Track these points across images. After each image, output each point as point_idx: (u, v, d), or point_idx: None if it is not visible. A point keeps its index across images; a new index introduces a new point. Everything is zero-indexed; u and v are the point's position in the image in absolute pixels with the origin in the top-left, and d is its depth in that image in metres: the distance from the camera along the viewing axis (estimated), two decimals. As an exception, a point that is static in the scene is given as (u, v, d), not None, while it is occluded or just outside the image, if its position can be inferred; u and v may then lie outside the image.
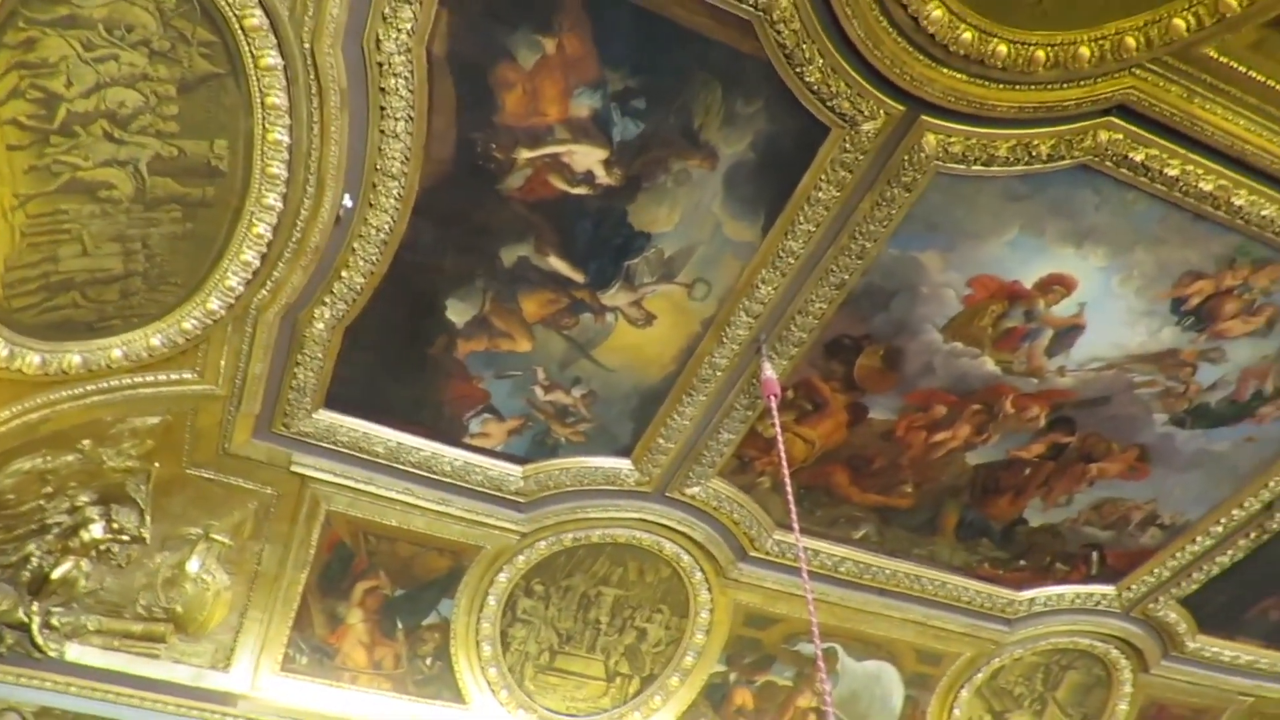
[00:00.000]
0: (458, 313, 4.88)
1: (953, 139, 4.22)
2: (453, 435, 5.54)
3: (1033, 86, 4.04)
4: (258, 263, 4.35)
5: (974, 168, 4.35)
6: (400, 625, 6.27)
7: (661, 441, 5.61)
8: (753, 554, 6.42)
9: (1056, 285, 5.00)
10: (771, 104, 4.06)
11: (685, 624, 6.67)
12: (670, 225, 4.54)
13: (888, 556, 6.69)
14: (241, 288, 4.44)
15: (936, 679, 7.56)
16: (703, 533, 6.25)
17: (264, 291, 4.51)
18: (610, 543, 6.25)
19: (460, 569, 6.14)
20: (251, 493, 5.49)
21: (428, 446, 5.53)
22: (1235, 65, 3.97)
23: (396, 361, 5.09)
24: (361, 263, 4.52)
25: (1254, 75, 4.01)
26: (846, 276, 4.80)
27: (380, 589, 6.09)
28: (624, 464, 5.82)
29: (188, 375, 4.82)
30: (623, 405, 5.45)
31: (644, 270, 4.73)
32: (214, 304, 4.48)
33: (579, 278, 4.74)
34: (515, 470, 5.78)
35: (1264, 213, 4.59)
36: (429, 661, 6.31)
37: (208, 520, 5.57)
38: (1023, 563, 6.94)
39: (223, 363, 4.83)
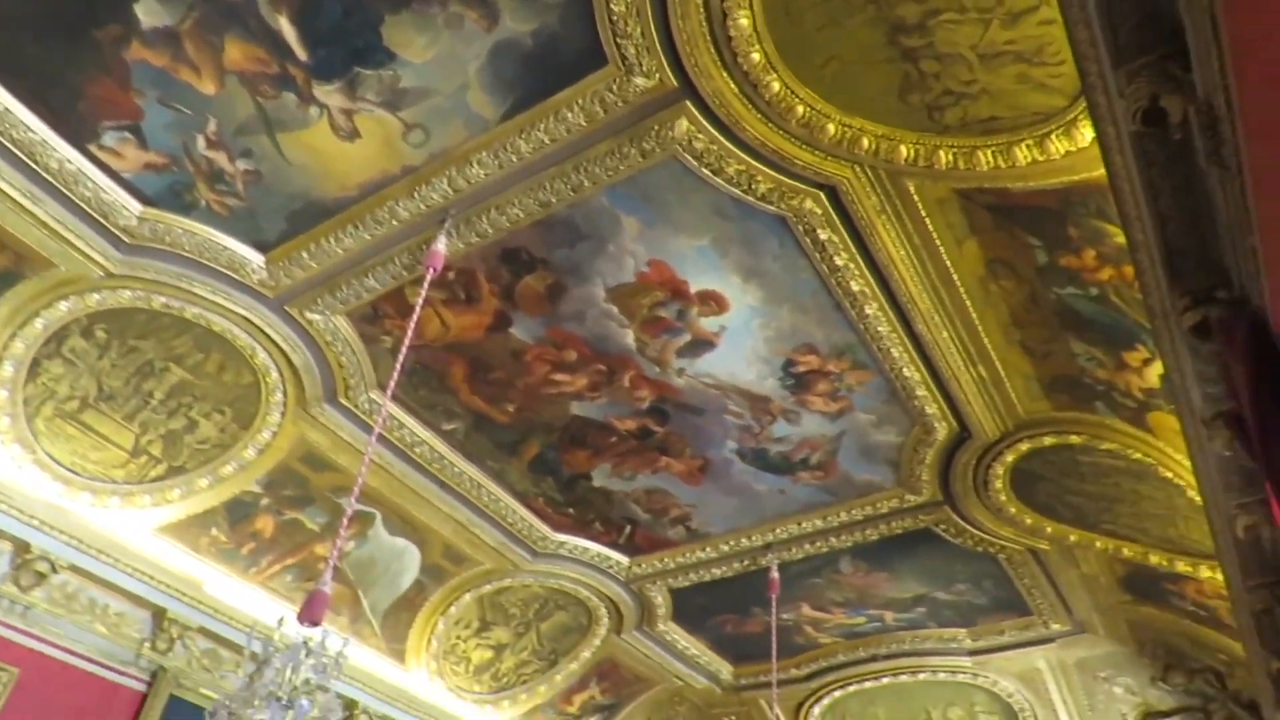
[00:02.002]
0: (149, 12, 4.19)
1: (700, 136, 4.46)
2: (78, 135, 4.75)
3: (781, 132, 4.41)
4: None
5: (704, 170, 4.65)
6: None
7: (305, 256, 5.31)
8: (342, 400, 6.32)
9: (713, 302, 5.53)
10: (572, 9, 4.00)
11: (242, 435, 6.39)
12: (420, 59, 4.29)
13: (464, 457, 6.96)
14: None
15: (451, 575, 8.04)
16: (303, 360, 6.03)
17: None
18: (203, 326, 5.78)
19: (15, 275, 5.32)
20: None
21: (42, 131, 4.69)
22: (920, 208, 4.66)
23: (50, 22, 4.24)
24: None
25: (928, 223, 4.74)
26: (554, 200, 4.88)
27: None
28: (256, 258, 5.41)
29: None
30: (284, 202, 5.06)
31: (371, 85, 4.42)
32: None
33: (302, 55, 4.31)
34: (134, 206, 5.12)
35: (880, 328, 5.45)
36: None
37: None
38: (571, 511, 7.61)
39: None
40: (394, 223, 5.06)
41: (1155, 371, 4.84)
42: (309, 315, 5.77)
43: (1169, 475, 5.58)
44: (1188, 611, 7.42)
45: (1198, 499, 5.10)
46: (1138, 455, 5.69)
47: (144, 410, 6.07)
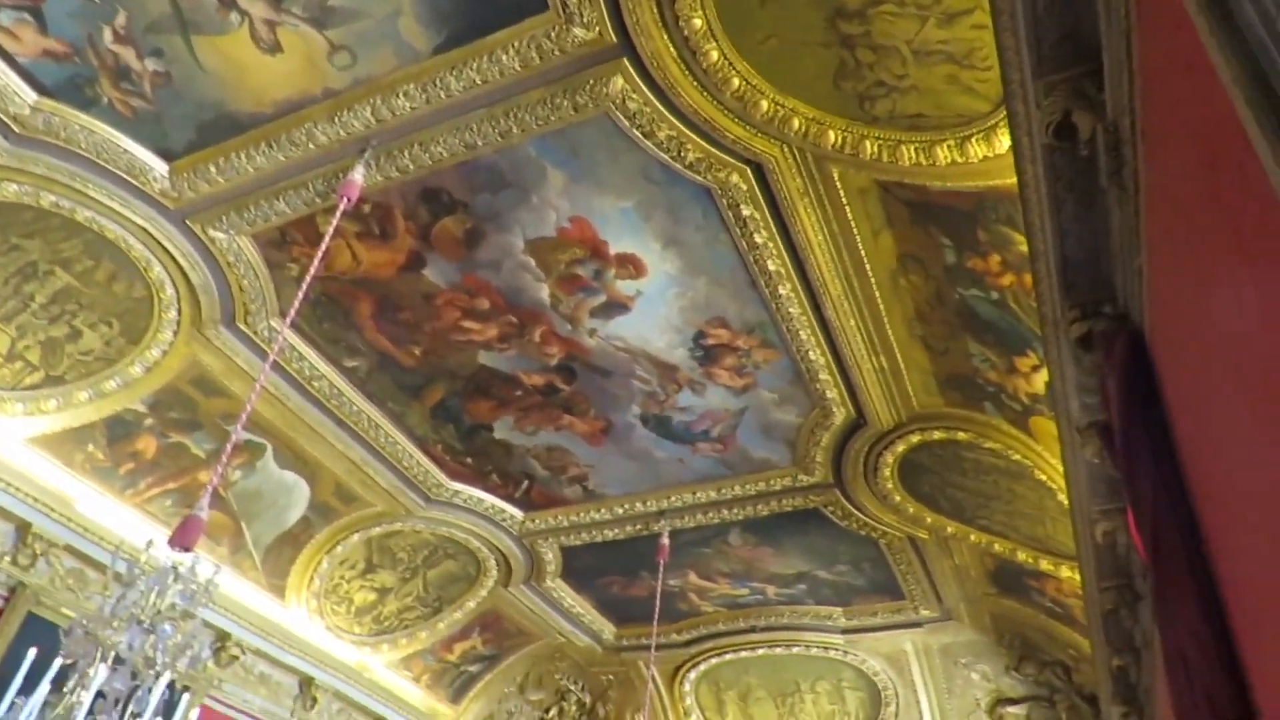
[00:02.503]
0: (59, -116, 3.90)
1: (634, 96, 4.43)
2: (-31, 7, 4.41)
3: (715, 102, 4.41)
4: None
5: (635, 131, 4.62)
6: None
7: (213, 170, 5.07)
8: (240, 325, 6.10)
9: (632, 265, 5.53)
10: (515, -54, 3.90)
11: (130, 351, 6.11)
12: (352, -23, 4.12)
13: (364, 397, 6.82)
14: None
15: (340, 515, 7.90)
16: (202, 279, 5.78)
17: None
18: (95, 231, 5.48)
19: (-112, 152, 4.94)
20: None
21: (-73, -2, 4.34)
22: (842, 195, 4.74)
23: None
24: None
25: (848, 210, 4.83)
26: (480, 144, 4.78)
27: None
28: (160, 166, 5.14)
29: None
30: (194, 110, 4.81)
31: (299, -1, 4.23)
32: None
33: (226, -46, 4.09)
34: (28, 94, 4.79)
35: (791, 309, 5.55)
36: None
37: None
38: (469, 460, 7.56)
39: None
40: (310, 146, 4.88)
41: (1041, 379, 5.07)
42: (212, 233, 5.53)
43: (1043, 478, 5.88)
44: (1045, 607, 7.87)
45: (1066, 503, 5.39)
46: (1017, 456, 5.96)
47: (23, 314, 5.74)
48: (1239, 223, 1.93)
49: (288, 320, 4.44)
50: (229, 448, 4.04)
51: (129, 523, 6.57)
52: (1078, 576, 6.10)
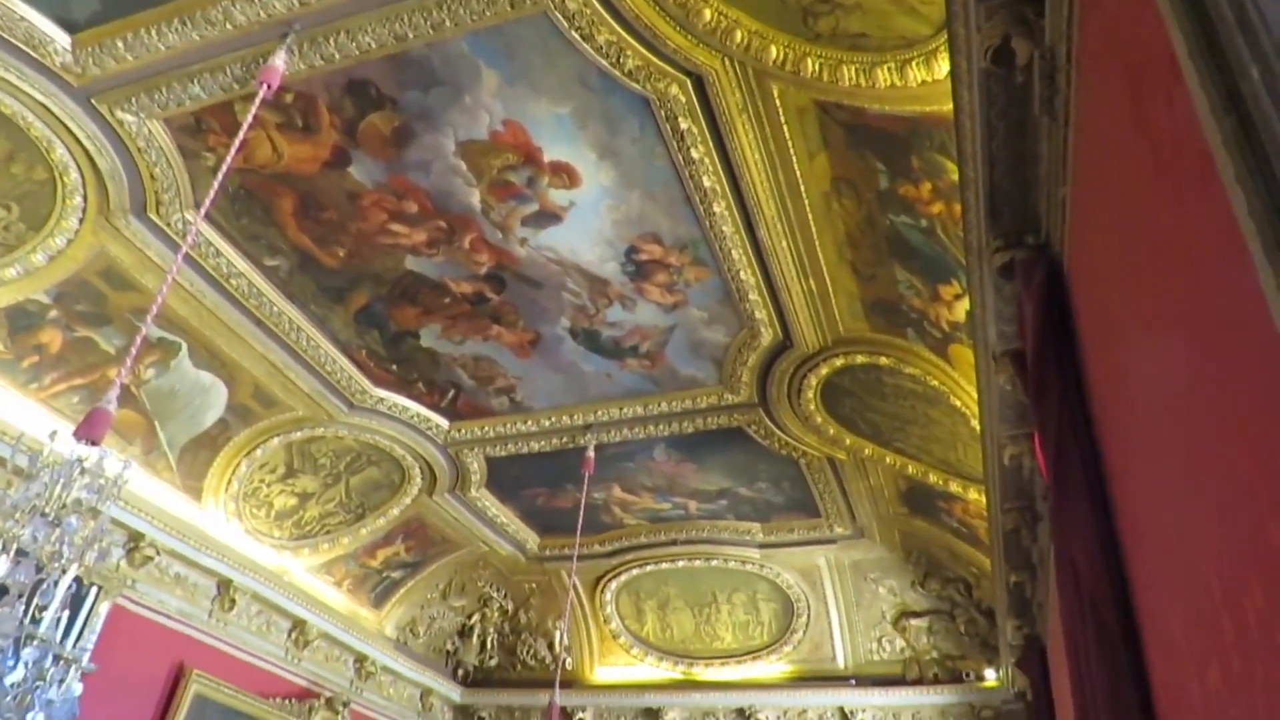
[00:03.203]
0: None
1: (574, -4, 4.26)
2: None
3: (657, 7, 4.28)
4: None
5: (573, 33, 4.46)
6: None
7: (120, 46, 4.73)
8: (151, 216, 5.79)
9: (566, 175, 5.41)
10: None
11: (31, 237, 5.78)
12: None
13: (285, 297, 6.61)
14: None
15: (259, 418, 7.74)
16: (110, 164, 5.46)
17: None
18: (-9, 106, 5.10)
19: None
20: None
21: None
22: (780, 113, 4.69)
23: None
24: None
25: (785, 129, 4.79)
26: (411, 35, 4.56)
27: None
28: (62, 38, 4.77)
29: None
30: (99, -22, 4.46)
31: None
32: None
33: None
34: (-91, -52, 4.38)
35: (724, 228, 5.53)
36: None
37: None
38: (394, 368, 7.46)
39: None
40: (228, 26, 4.58)
41: (963, 308, 5.18)
42: (120, 115, 5.19)
43: (958, 404, 6.08)
44: (952, 528, 8.25)
45: (978, 428, 5.60)
46: (935, 382, 6.14)
47: (-90, 192, 5.36)
48: (1159, 150, 1.96)
49: (202, 212, 4.23)
50: (139, 342, 3.88)
51: (33, 418, 6.31)
52: (984, 499, 6.39)
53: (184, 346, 6.91)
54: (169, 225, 5.88)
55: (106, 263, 6.08)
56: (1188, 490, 2.06)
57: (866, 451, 7.61)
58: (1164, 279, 2.10)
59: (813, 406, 7.19)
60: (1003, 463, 5.20)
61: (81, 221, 5.73)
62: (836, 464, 8.04)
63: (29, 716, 2.97)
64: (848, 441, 7.57)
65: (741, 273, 5.92)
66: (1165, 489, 2.30)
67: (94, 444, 3.55)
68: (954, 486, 7.30)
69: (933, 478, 7.40)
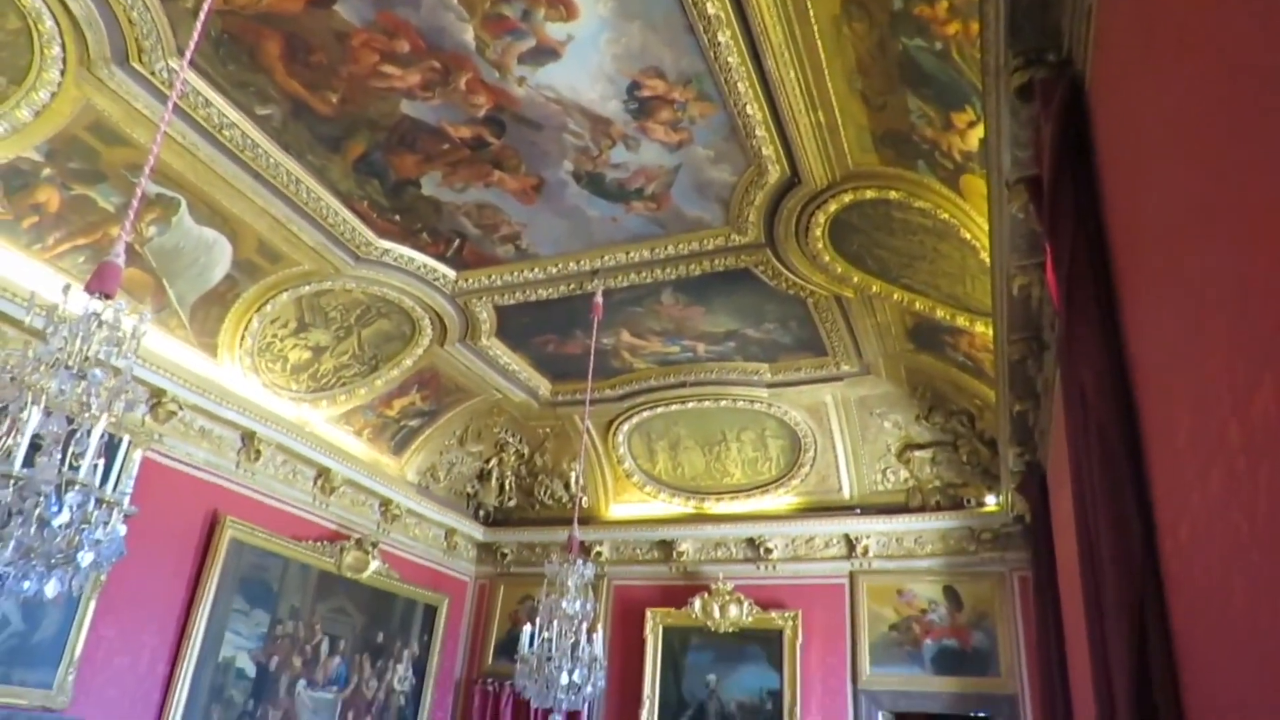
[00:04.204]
0: None
1: None
2: None
3: None
4: None
5: None
6: None
7: (80, -125, 4.42)
8: (134, 65, 5.57)
9: (562, 6, 5.15)
10: None
11: (14, 92, 5.59)
12: None
13: (280, 148, 6.46)
14: None
15: (266, 273, 7.74)
16: (85, 9, 5.19)
17: None
18: (-49, -51, 4.82)
19: None
20: None
21: None
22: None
23: None
24: None
25: (795, -54, 4.50)
26: None
27: None
28: None
29: None
30: None
31: None
32: None
33: None
34: None
35: (730, 59, 5.31)
36: None
37: None
38: (397, 218, 7.37)
39: None
40: None
41: (976, 135, 5.04)
42: (89, -46, 4.91)
43: (967, 236, 6.02)
44: (957, 362, 8.36)
45: (987, 260, 5.57)
46: (945, 215, 6.06)
47: (-118, 46, 5.14)
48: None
49: (186, 58, 4.07)
50: (137, 197, 3.83)
51: (41, 279, 6.32)
52: (990, 331, 6.44)
53: (183, 203, 6.82)
54: (153, 74, 5.67)
55: (94, 116, 5.90)
56: (1200, 304, 2.07)
57: (874, 289, 7.60)
58: (1194, 83, 2.02)
59: (820, 245, 7.14)
60: (1011, 293, 5.20)
61: (63, 73, 5.52)
62: (844, 302, 8.06)
63: (79, 555, 3.14)
64: (855, 279, 7.56)
65: (748, 107, 5.73)
66: (1177, 306, 2.31)
67: (107, 297, 3.57)
68: (961, 320, 7.34)
69: (940, 312, 7.43)
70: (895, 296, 7.59)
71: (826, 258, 7.30)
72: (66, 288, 3.52)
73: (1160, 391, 2.55)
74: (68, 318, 3.47)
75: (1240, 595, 1.89)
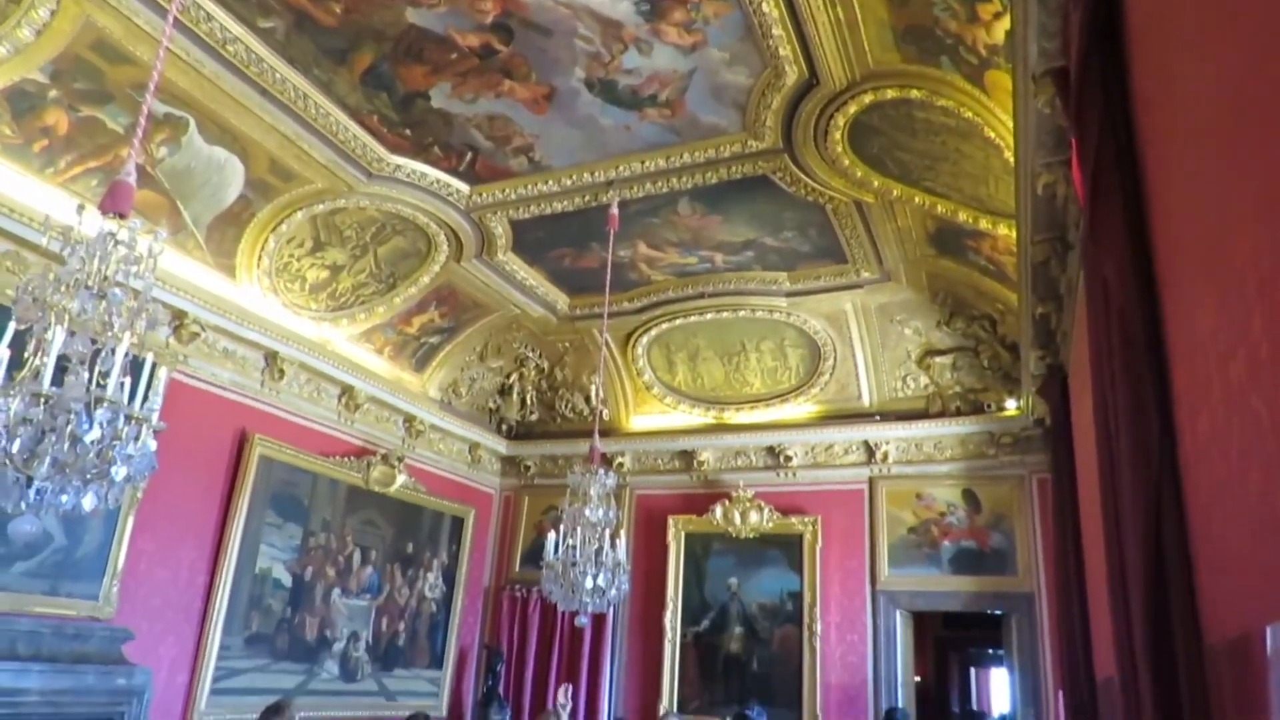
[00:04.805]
0: None
1: None
2: None
3: None
4: None
5: None
6: None
7: None
8: (133, -21, 5.45)
9: (568, -100, 4.93)
10: None
11: (13, 10, 5.47)
12: None
13: (285, 62, 6.34)
14: None
15: (280, 192, 7.70)
16: (78, -80, 5.06)
17: None
18: None
19: None
20: None
21: None
22: None
23: None
24: None
25: None
26: None
27: None
28: None
29: None
30: None
31: None
32: None
33: None
34: None
35: (744, -48, 5.09)
36: None
37: None
38: (408, 132, 7.27)
39: None
40: None
41: (1002, 27, 4.85)
42: None
43: (991, 135, 5.86)
44: (979, 266, 8.25)
45: (1011, 160, 5.43)
46: (969, 113, 5.89)
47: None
48: None
49: (185, -35, 3.97)
50: (144, 115, 3.80)
51: (55, 203, 6.31)
52: (1014, 233, 6.33)
53: (191, 122, 6.75)
54: (151, -13, 5.54)
55: (96, 34, 5.80)
56: (1228, 194, 2.01)
57: (895, 193, 7.46)
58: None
59: (840, 148, 6.97)
60: (1036, 192, 5.09)
61: (61, -11, 5.41)
62: (864, 208, 7.92)
63: (112, 470, 3.23)
64: (875, 183, 7.41)
65: (764, 4, 5.53)
66: (1204, 198, 2.25)
67: (121, 217, 3.57)
68: (984, 223, 7.21)
69: (962, 215, 7.30)
70: (916, 200, 7.45)
71: (846, 162, 7.15)
72: (80, 207, 3.52)
73: (1183, 283, 2.50)
74: (84, 239, 3.48)
75: (1256, 486, 1.89)
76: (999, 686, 14.54)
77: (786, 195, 7.80)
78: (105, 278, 3.44)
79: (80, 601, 6.70)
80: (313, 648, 8.84)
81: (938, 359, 9.81)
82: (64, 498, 3.20)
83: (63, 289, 3.32)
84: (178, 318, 7.54)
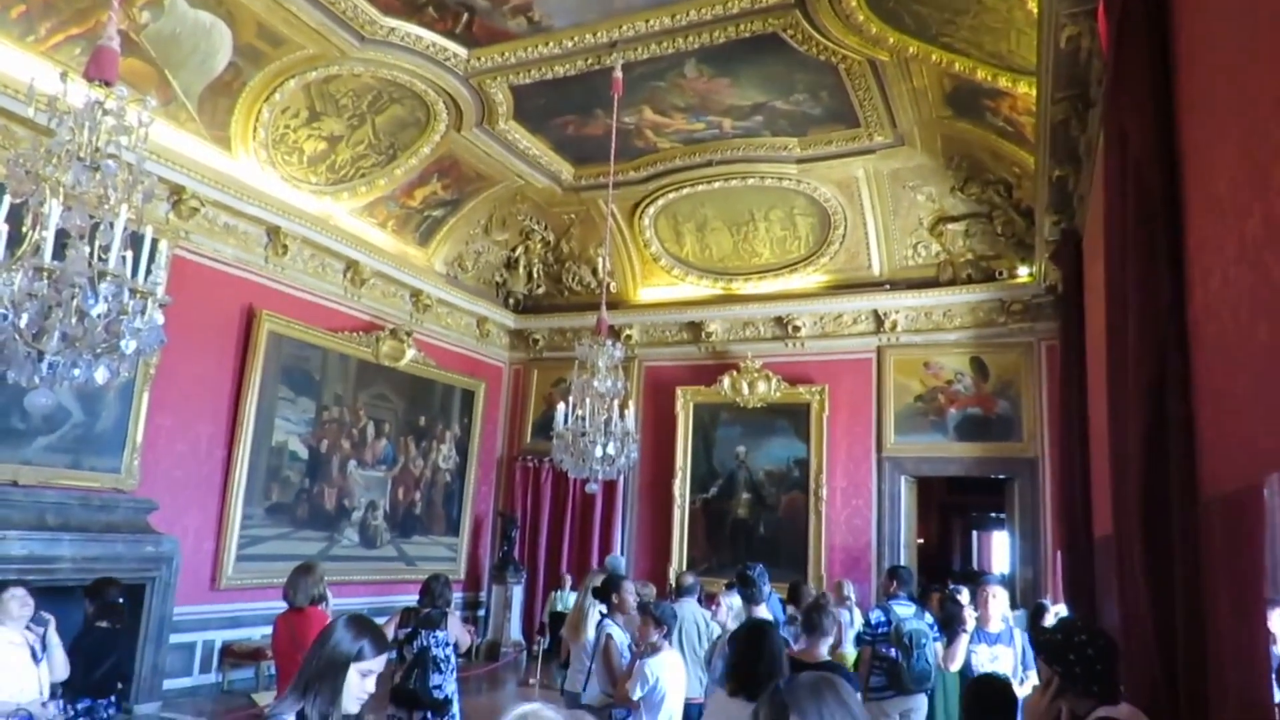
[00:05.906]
0: None
1: None
2: None
3: None
4: None
5: None
6: None
7: None
8: None
9: None
10: None
11: None
12: None
13: (268, -85, 5.99)
14: None
15: (270, 60, 7.43)
16: None
17: None
18: None
19: None
20: None
21: None
22: None
23: None
24: None
25: None
26: None
27: None
28: None
29: None
30: None
31: None
32: None
33: None
34: None
35: None
36: None
37: None
38: (400, -8, 6.93)
39: None
40: None
41: None
42: None
43: (1014, -16, 5.55)
44: (997, 127, 7.99)
45: (1035, 10, 5.16)
46: (991, -39, 5.56)
47: None
48: None
49: None
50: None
51: (40, 74, 6.09)
52: (1034, 91, 6.09)
53: (173, -19, 6.45)
54: None
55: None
56: (1254, 47, 1.90)
57: (911, 50, 7.14)
58: None
59: (855, 2, 6.63)
60: (1059, 45, 4.85)
61: None
62: (878, 67, 7.60)
63: (122, 343, 3.24)
64: (891, 40, 7.08)
65: None
66: (1230, 50, 2.13)
67: (107, 84, 3.45)
68: (1003, 81, 6.93)
69: (981, 73, 7.01)
70: (934, 57, 7.14)
71: (860, 16, 6.81)
72: (64, 74, 3.40)
73: (1204, 140, 2.41)
74: (71, 109, 3.38)
75: (1264, 342, 1.86)
76: (1000, 549, 15.04)
77: (798, 55, 7.48)
78: (97, 149, 3.36)
79: (103, 474, 6.90)
80: (332, 516, 9.15)
81: (950, 226, 9.65)
82: (76, 371, 3.23)
83: (55, 161, 3.24)
84: (176, 193, 7.43)
